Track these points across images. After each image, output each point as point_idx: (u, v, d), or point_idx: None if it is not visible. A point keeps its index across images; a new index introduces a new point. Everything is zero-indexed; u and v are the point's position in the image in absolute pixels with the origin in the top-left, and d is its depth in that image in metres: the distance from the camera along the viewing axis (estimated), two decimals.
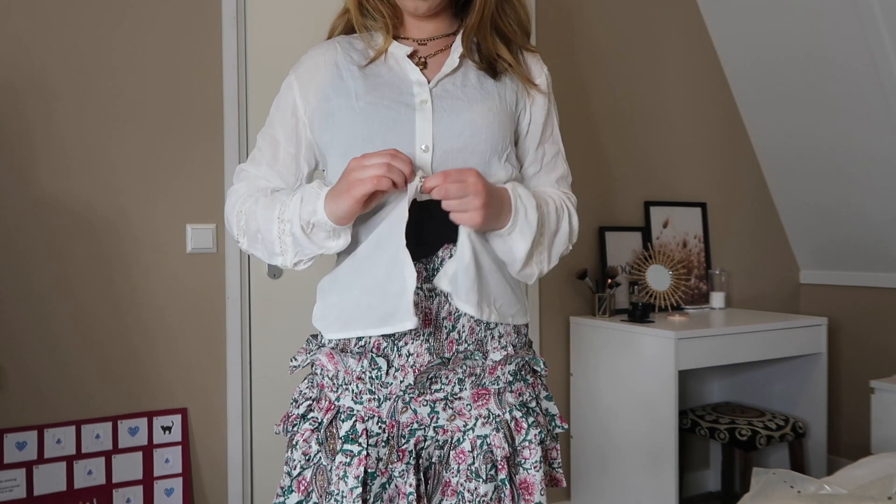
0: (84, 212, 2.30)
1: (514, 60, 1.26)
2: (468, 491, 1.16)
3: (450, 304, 1.17)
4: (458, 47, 1.26)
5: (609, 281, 3.04)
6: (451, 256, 1.15)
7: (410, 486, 1.15)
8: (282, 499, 1.19)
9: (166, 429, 2.40)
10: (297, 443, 1.20)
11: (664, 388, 2.64)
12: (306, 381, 1.27)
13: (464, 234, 1.11)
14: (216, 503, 2.48)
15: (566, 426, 1.33)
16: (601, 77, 3.23)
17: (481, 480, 1.16)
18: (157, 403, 2.40)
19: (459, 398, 1.19)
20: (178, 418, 2.41)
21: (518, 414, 1.22)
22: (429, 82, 1.22)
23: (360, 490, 1.12)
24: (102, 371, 2.33)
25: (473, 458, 1.17)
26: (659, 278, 3.21)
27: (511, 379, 1.23)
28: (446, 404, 1.19)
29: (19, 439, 2.20)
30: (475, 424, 1.19)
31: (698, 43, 3.51)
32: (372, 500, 1.15)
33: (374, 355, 1.17)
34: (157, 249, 2.40)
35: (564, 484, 1.33)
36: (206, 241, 2.46)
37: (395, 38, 1.28)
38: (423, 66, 1.25)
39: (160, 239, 2.41)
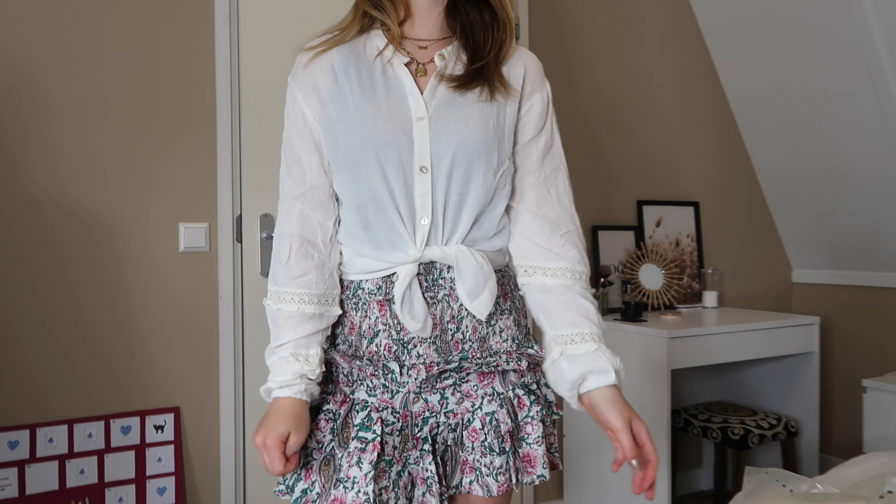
0: (77, 210, 2.30)
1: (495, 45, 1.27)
2: (484, 466, 1.22)
3: (452, 308, 1.23)
4: (449, 52, 1.27)
5: (602, 280, 3.05)
6: (448, 269, 1.23)
7: (428, 471, 1.21)
8: (282, 486, 1.24)
9: (159, 428, 2.39)
10: (311, 432, 1.23)
11: (657, 386, 2.64)
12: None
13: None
14: (209, 502, 2.47)
15: (561, 413, 1.39)
16: (593, 75, 3.23)
17: (495, 454, 1.22)
18: (149, 402, 2.40)
19: (467, 381, 1.25)
20: (170, 417, 2.41)
21: (521, 392, 1.28)
22: (423, 94, 1.22)
23: (373, 473, 1.16)
24: (95, 370, 2.32)
25: (485, 434, 1.23)
26: (652, 277, 3.22)
27: (517, 359, 1.28)
28: (455, 389, 1.25)
29: (11, 438, 2.19)
30: (482, 403, 1.25)
31: (691, 42, 3.51)
32: (391, 486, 1.20)
33: (385, 361, 1.22)
34: (149, 248, 2.40)
35: (561, 467, 1.37)
36: (198, 240, 2.45)
37: (401, 36, 1.28)
38: (422, 72, 1.25)
39: (153, 238, 2.40)
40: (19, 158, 2.23)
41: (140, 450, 2.36)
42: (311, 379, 1.20)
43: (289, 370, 1.18)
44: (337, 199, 1.29)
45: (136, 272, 2.38)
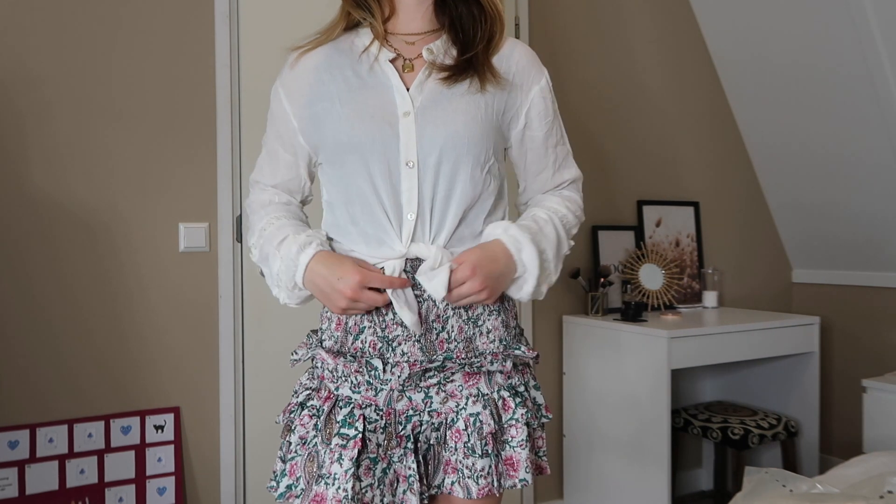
0: (77, 210, 2.30)
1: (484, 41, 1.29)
2: (466, 467, 1.22)
3: (437, 307, 1.23)
4: (438, 46, 1.28)
5: (602, 280, 3.05)
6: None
7: (409, 468, 1.21)
8: (274, 483, 1.25)
9: (159, 427, 2.39)
10: (295, 427, 1.25)
11: (657, 386, 2.64)
12: (307, 373, 1.33)
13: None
14: (209, 502, 2.47)
15: (550, 416, 1.39)
16: (593, 76, 3.23)
17: (477, 456, 1.22)
18: (149, 402, 2.40)
19: (452, 381, 1.25)
20: (170, 417, 2.41)
21: (506, 394, 1.28)
22: (409, 90, 1.23)
23: (353, 470, 1.17)
24: (95, 370, 2.32)
25: (468, 435, 1.23)
26: (652, 277, 3.22)
27: (502, 360, 1.28)
28: (439, 388, 1.24)
29: (11, 438, 2.19)
30: (466, 403, 1.25)
31: (691, 42, 3.51)
32: (376, 484, 1.20)
33: (369, 358, 1.22)
34: (149, 248, 2.40)
35: (549, 472, 1.38)
36: (198, 240, 2.45)
37: (385, 32, 1.29)
38: (409, 68, 1.26)
39: (153, 238, 2.40)
40: (19, 159, 2.23)
41: (140, 450, 2.36)
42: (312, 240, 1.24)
43: (291, 246, 1.24)
44: (318, 191, 1.34)
45: (136, 272, 2.38)
